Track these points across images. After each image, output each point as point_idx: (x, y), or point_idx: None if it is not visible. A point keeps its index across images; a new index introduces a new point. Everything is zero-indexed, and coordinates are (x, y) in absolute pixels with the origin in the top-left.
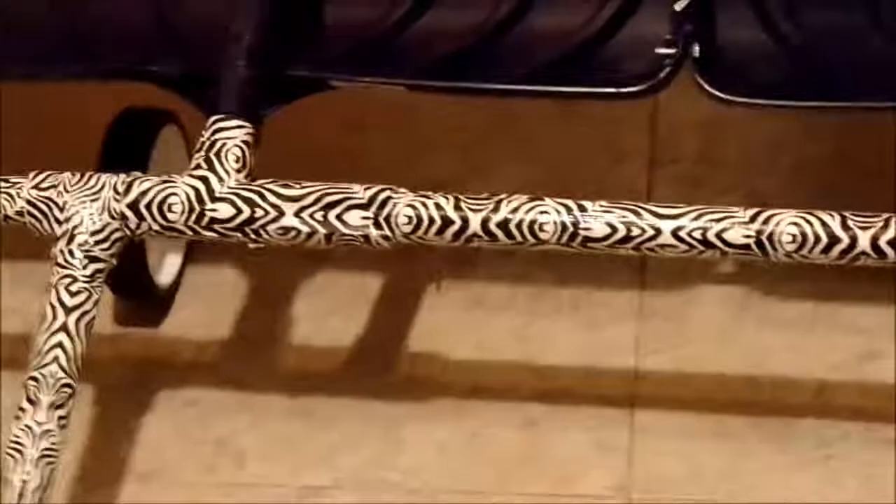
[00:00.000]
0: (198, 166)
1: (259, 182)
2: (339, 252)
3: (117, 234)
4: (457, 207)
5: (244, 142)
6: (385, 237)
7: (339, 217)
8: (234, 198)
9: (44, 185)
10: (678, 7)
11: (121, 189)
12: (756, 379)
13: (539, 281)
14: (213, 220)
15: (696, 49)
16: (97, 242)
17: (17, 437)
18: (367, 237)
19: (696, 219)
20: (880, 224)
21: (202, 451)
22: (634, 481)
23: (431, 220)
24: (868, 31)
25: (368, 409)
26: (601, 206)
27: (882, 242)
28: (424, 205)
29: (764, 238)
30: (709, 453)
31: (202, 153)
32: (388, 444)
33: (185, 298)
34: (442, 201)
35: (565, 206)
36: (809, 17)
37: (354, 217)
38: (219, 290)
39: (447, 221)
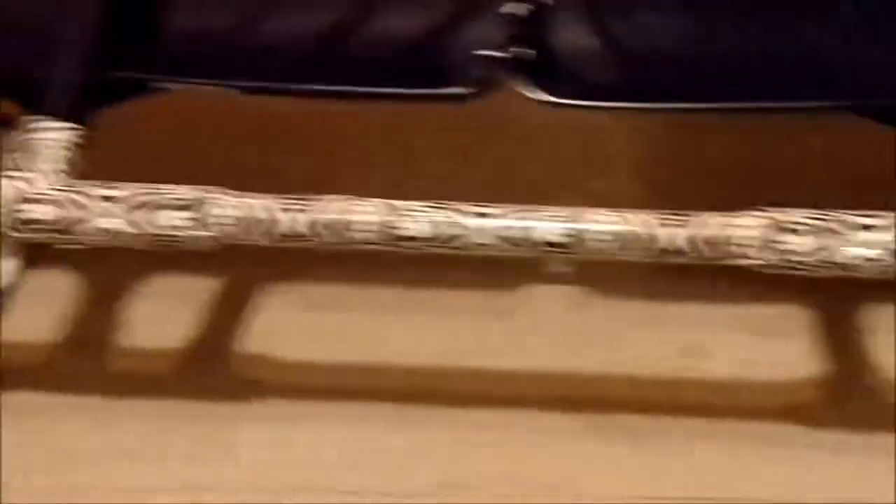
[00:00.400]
0: (17, 167)
1: (80, 183)
2: (175, 255)
3: None
4: (282, 208)
5: (68, 142)
6: (210, 238)
7: (162, 219)
8: (54, 199)
9: None
10: (509, 10)
11: None
12: (598, 376)
13: (377, 281)
14: (32, 222)
15: (527, 52)
16: None
17: None
18: (191, 238)
19: (515, 218)
20: (698, 222)
21: (35, 455)
22: (461, 479)
23: (257, 221)
24: (695, 31)
25: (203, 411)
26: (421, 205)
27: (698, 241)
28: (250, 206)
29: (582, 237)
30: (541, 447)
31: (23, 154)
32: (223, 445)
33: (17, 302)
34: (268, 203)
35: (385, 205)
36: (642, 19)
37: (178, 218)
38: (52, 294)
39: (272, 222)
